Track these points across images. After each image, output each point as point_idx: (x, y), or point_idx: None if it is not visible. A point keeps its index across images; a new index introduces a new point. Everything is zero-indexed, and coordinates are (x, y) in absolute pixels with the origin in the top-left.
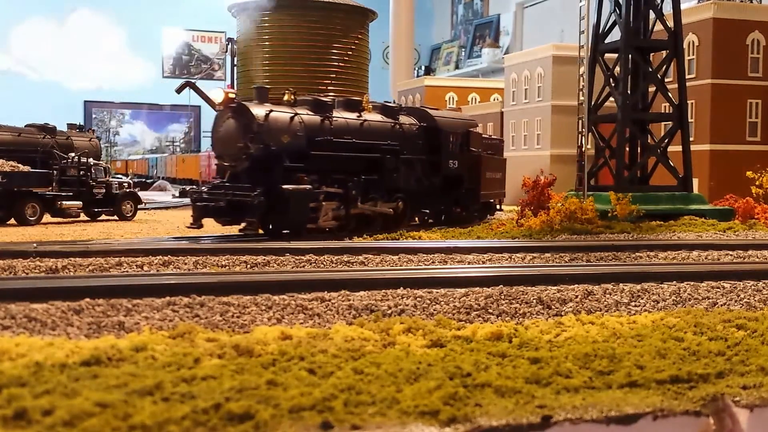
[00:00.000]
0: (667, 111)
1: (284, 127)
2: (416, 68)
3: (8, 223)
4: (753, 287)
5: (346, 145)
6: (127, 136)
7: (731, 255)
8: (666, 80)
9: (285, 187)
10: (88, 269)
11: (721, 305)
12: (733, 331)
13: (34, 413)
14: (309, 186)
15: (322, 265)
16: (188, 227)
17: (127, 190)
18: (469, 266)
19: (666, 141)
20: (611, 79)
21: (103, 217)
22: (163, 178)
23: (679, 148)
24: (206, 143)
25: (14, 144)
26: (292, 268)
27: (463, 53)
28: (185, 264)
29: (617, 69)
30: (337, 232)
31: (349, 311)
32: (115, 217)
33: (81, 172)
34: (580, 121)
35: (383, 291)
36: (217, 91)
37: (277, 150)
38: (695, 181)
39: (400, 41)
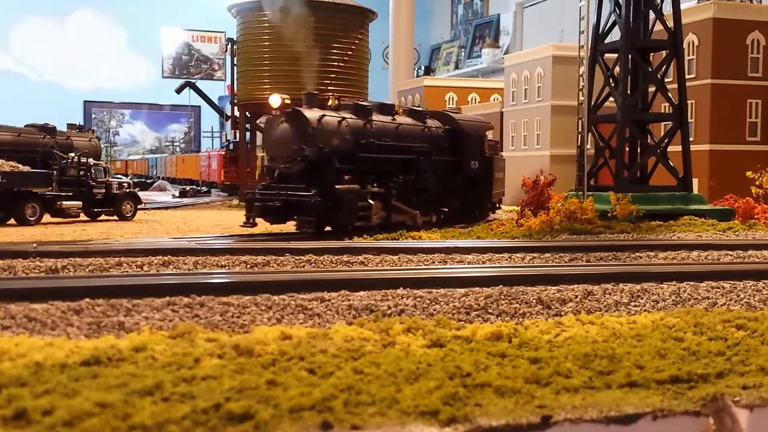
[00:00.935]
0: (667, 111)
1: (334, 130)
2: (416, 68)
3: (8, 223)
4: (753, 287)
5: (386, 148)
6: (127, 136)
7: (731, 255)
8: (666, 80)
9: (338, 187)
10: (88, 269)
11: (721, 305)
12: (733, 331)
13: (34, 413)
14: (357, 186)
15: (321, 265)
16: (242, 226)
17: (127, 190)
18: (469, 266)
19: (666, 141)
20: (611, 80)
21: (103, 217)
22: (162, 178)
23: (679, 148)
24: (206, 143)
25: (14, 144)
26: (292, 268)
27: (462, 53)
28: (185, 264)
29: (617, 69)
30: (379, 230)
31: (349, 311)
32: (115, 217)
33: (81, 172)
34: (580, 121)
35: (383, 291)
36: (274, 97)
37: (329, 152)
38: (695, 181)
39: (400, 41)
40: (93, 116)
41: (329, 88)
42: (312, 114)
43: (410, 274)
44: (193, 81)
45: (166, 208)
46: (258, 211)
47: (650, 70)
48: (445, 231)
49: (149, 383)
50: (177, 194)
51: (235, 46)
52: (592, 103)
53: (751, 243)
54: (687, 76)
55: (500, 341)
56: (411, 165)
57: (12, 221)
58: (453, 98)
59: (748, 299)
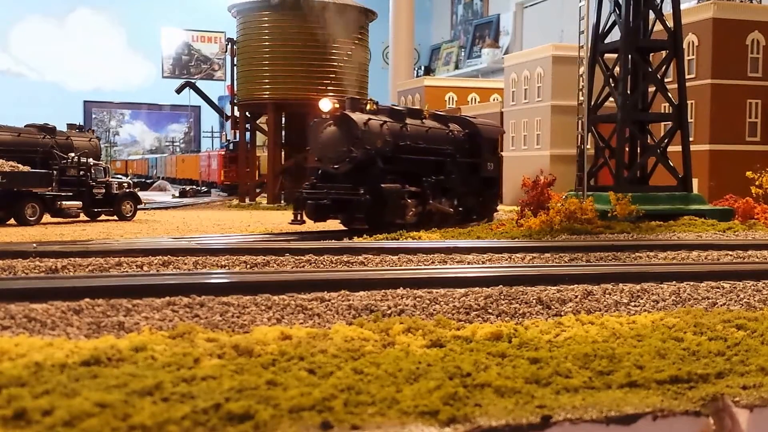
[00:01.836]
0: (666, 111)
1: (378, 132)
2: (416, 68)
3: (8, 223)
4: (753, 287)
5: (420, 150)
6: (127, 136)
7: (731, 255)
8: (666, 80)
9: (384, 186)
10: (88, 269)
11: (721, 305)
12: (732, 331)
13: (33, 413)
14: (399, 185)
15: (321, 265)
16: (291, 223)
17: (127, 190)
18: (469, 266)
19: (666, 141)
20: (611, 80)
21: (103, 217)
22: (162, 178)
23: (679, 148)
24: (206, 143)
25: (14, 144)
26: (292, 268)
27: (462, 53)
28: (185, 264)
29: (617, 69)
30: (416, 226)
31: (349, 311)
32: (115, 217)
33: (81, 172)
34: (580, 121)
35: (383, 291)
36: (325, 101)
37: (374, 153)
38: (695, 181)
39: (400, 41)
40: (93, 116)
41: (329, 88)
42: (359, 117)
43: (410, 274)
44: (193, 81)
45: (166, 208)
46: (311, 209)
47: (650, 70)
48: (445, 231)
49: (149, 383)
50: (177, 194)
51: (235, 46)
52: (592, 103)
53: (751, 243)
54: (687, 76)
55: (500, 341)
56: (439, 166)
57: (12, 221)
58: (453, 98)
59: (748, 299)
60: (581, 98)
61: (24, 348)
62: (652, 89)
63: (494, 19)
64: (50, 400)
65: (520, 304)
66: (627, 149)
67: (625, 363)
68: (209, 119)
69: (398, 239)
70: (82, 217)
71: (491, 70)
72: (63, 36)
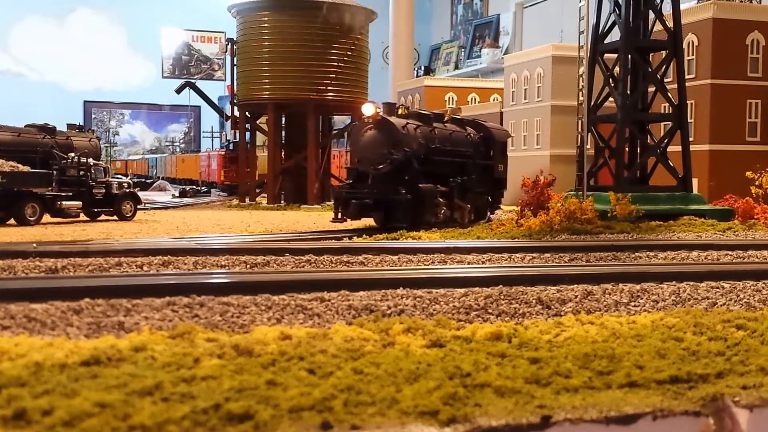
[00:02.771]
0: (666, 111)
1: (413, 135)
2: (416, 68)
3: (8, 223)
4: (753, 287)
5: (447, 152)
6: (127, 137)
7: (731, 255)
8: (666, 80)
9: (421, 186)
10: (88, 269)
11: (721, 305)
12: (732, 331)
13: (33, 413)
14: (432, 185)
15: (321, 265)
16: (332, 221)
17: (127, 191)
18: (469, 266)
19: (666, 141)
20: (611, 80)
21: (103, 217)
22: (162, 179)
23: (679, 148)
24: (206, 143)
25: (14, 144)
26: (292, 268)
27: (462, 53)
28: (185, 264)
29: (617, 69)
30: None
31: (349, 311)
32: (115, 218)
33: (81, 172)
34: (580, 121)
35: (383, 291)
36: (368, 106)
37: (411, 155)
38: (695, 181)
39: (400, 41)
40: (93, 116)
41: (329, 88)
42: (398, 121)
43: (410, 274)
44: (193, 81)
45: (166, 208)
46: (355, 208)
47: (650, 70)
48: (445, 231)
49: (149, 383)
50: (177, 194)
51: (235, 46)
52: (592, 103)
53: (750, 243)
54: (687, 76)
55: (500, 341)
56: (462, 167)
57: (12, 221)
58: (453, 98)
59: (748, 299)
60: (581, 98)
61: (24, 348)
62: (652, 89)
63: (494, 19)
64: (50, 400)
65: (520, 304)
66: (627, 149)
67: (625, 363)
68: (209, 119)
69: (398, 239)
70: (82, 217)
71: (491, 70)
72: (63, 36)
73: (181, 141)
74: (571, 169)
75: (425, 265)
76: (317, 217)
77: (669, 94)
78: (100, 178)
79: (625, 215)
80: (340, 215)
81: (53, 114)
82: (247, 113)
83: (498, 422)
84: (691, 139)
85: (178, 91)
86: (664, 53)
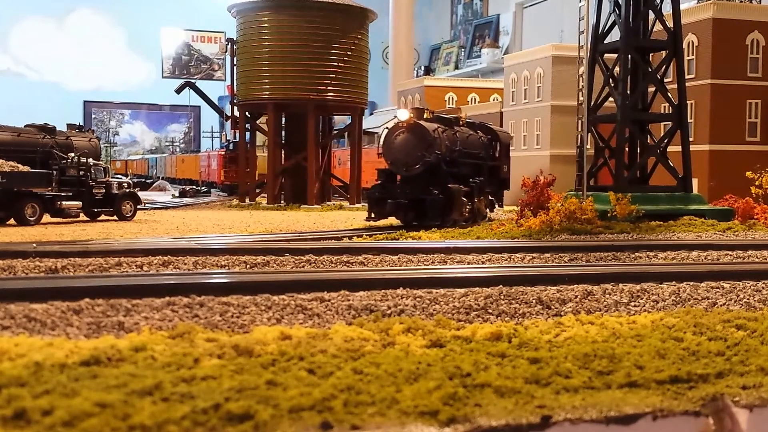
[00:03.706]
0: (666, 111)
1: (441, 139)
2: (416, 68)
3: (8, 223)
4: (752, 287)
5: (466, 154)
6: (127, 136)
7: (731, 255)
8: (665, 80)
9: (451, 186)
10: (88, 269)
11: (721, 305)
12: (732, 331)
13: (33, 413)
14: (460, 185)
15: (321, 266)
16: (366, 220)
17: (127, 190)
18: (469, 266)
19: (665, 141)
20: (611, 80)
21: (103, 217)
22: (162, 178)
23: (679, 148)
24: (206, 143)
25: (14, 144)
26: (292, 268)
27: (462, 53)
28: (185, 264)
29: (617, 69)
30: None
31: (349, 311)
32: (115, 217)
33: (81, 172)
34: (580, 121)
35: (383, 291)
36: (403, 111)
37: (441, 157)
38: (695, 181)
39: (400, 41)
40: (93, 116)
41: (329, 88)
42: (430, 125)
43: (410, 275)
44: (193, 81)
45: (166, 208)
46: (391, 207)
47: (650, 70)
48: (445, 231)
49: (149, 383)
50: (177, 194)
51: (235, 46)
52: (592, 103)
53: (750, 243)
54: (687, 76)
55: (500, 341)
56: (477, 168)
57: (12, 221)
58: (453, 98)
59: (748, 299)
60: (581, 98)
61: (24, 348)
62: (652, 89)
63: (494, 19)
64: (50, 400)
65: (520, 304)
66: (627, 149)
67: (624, 363)
68: (209, 119)
69: (398, 239)
70: (82, 217)
71: (491, 70)
72: (63, 36)
73: (181, 141)
74: (571, 169)
75: (425, 265)
76: (317, 217)
77: (669, 94)
78: (100, 178)
79: (625, 215)
80: (373, 215)
81: (53, 114)
82: (247, 113)
83: (498, 422)
84: (691, 139)
85: (178, 91)
86: (664, 53)
